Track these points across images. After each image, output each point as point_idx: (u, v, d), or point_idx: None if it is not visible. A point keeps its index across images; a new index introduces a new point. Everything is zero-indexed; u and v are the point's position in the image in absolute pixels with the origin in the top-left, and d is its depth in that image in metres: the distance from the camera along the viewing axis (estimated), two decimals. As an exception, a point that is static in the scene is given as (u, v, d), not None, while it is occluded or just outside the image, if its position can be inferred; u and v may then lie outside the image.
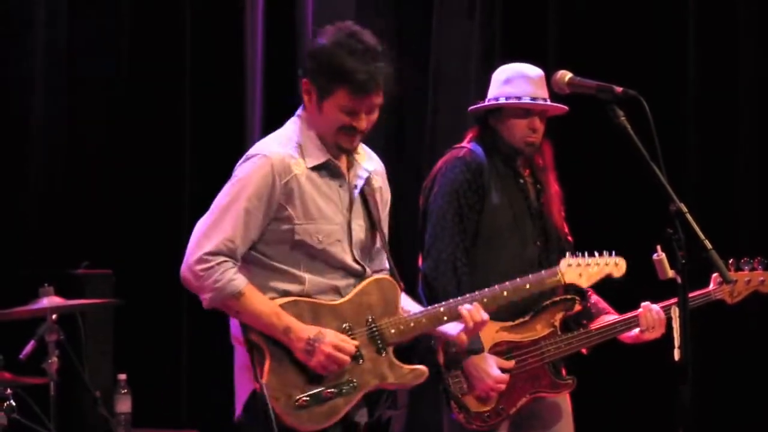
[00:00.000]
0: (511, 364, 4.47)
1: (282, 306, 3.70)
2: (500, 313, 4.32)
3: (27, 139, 6.67)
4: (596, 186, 5.92)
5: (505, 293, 4.10)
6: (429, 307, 3.97)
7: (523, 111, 4.56)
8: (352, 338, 3.76)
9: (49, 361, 4.89)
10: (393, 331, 3.82)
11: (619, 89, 3.49)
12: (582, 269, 4.29)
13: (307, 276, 3.75)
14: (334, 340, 3.69)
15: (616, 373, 5.77)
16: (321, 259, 3.78)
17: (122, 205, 6.82)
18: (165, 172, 6.84)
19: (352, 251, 3.83)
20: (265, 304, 3.68)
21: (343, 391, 3.73)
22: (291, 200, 3.72)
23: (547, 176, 4.66)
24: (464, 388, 4.45)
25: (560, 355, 4.54)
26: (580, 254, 4.31)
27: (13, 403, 4.86)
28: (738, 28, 5.93)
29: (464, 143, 4.66)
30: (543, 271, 4.30)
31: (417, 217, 4.69)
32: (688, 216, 3.29)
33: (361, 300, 3.82)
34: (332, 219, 3.79)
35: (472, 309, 3.92)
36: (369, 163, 3.91)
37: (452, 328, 3.96)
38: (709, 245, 3.29)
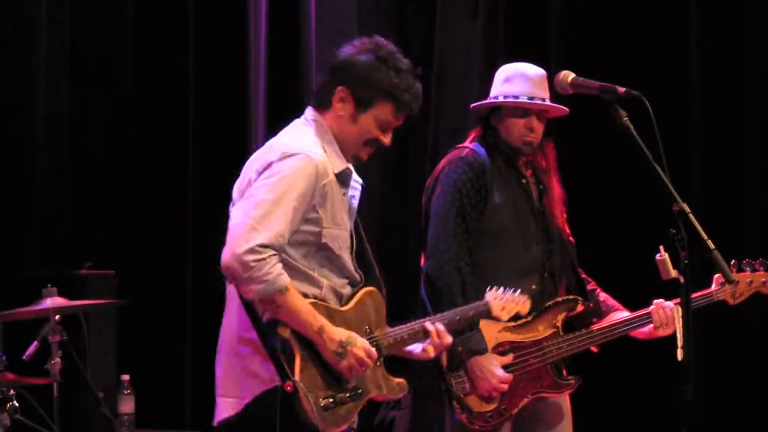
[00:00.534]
0: (510, 358, 4.47)
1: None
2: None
3: (30, 140, 6.68)
4: (600, 186, 5.92)
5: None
6: (412, 323, 3.95)
7: (521, 110, 4.56)
8: None
9: (53, 361, 4.90)
10: (386, 344, 3.85)
11: (622, 90, 3.49)
12: (504, 303, 4.20)
13: (324, 281, 3.76)
14: (365, 345, 3.71)
15: (618, 373, 5.77)
16: (336, 265, 3.79)
17: (125, 205, 6.82)
18: (168, 172, 6.84)
19: (353, 260, 3.86)
20: (303, 303, 3.66)
21: (354, 396, 3.74)
22: (324, 203, 3.72)
23: (550, 178, 4.65)
24: (467, 388, 4.45)
25: (562, 355, 4.55)
26: (502, 288, 4.20)
27: (17, 404, 4.86)
28: (742, 27, 5.93)
29: (467, 143, 4.65)
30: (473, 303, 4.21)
31: (420, 217, 4.68)
32: (691, 216, 3.30)
33: (361, 310, 3.83)
34: (346, 226, 3.82)
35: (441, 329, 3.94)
36: (356, 175, 3.94)
37: (416, 347, 3.98)
38: (711, 245, 3.29)
